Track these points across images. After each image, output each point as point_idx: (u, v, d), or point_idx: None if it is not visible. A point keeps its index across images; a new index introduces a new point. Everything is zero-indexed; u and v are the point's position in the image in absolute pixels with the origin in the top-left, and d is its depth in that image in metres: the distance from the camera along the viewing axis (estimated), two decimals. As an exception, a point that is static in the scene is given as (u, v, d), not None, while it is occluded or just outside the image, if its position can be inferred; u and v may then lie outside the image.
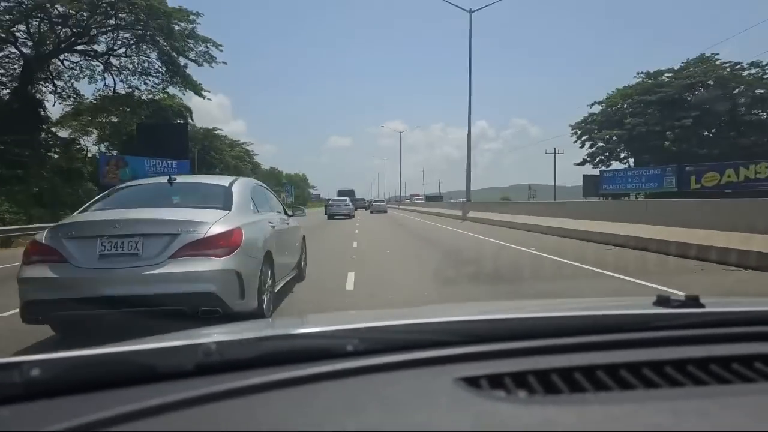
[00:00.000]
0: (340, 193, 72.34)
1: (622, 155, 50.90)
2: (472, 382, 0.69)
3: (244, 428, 0.60)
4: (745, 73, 42.22)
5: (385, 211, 45.81)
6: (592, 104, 53.46)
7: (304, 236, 7.66)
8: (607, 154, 51.67)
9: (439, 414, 0.62)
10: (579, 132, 53.85)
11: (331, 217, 33.43)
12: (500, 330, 0.89)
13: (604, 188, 42.26)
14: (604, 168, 49.50)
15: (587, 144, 53.16)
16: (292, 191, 76.54)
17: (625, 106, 49.72)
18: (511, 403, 0.64)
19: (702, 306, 0.96)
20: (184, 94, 33.82)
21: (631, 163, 48.36)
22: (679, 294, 1.03)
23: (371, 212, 44.00)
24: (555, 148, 58.53)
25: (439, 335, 0.86)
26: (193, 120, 46.54)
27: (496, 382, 0.70)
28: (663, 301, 0.99)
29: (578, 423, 0.59)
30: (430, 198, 76.48)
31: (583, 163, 53.80)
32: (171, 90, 32.45)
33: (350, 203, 37.77)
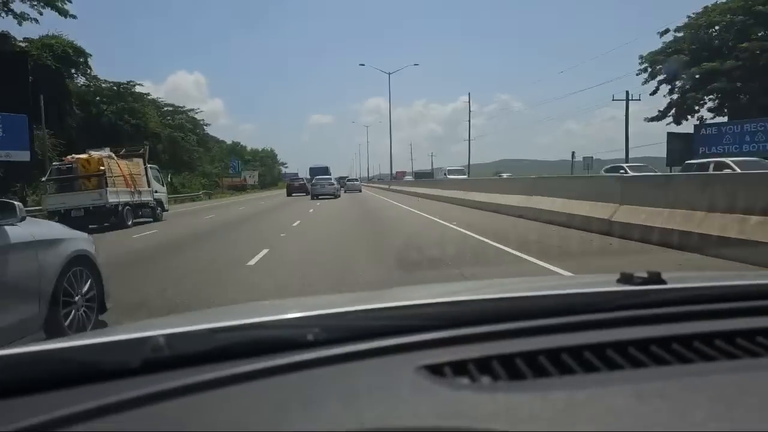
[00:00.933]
0: (313, 171, 67.74)
1: (715, 103, 33.05)
2: (436, 369, 0.68)
3: (196, 428, 0.58)
4: None
5: (359, 191, 43.37)
6: (665, 31, 34.45)
7: (75, 256, 3.81)
8: (694, 102, 32.86)
9: (401, 404, 0.61)
10: (651, 69, 34.49)
11: (315, 197, 32.88)
12: (463, 314, 0.88)
13: (704, 151, 25.78)
14: (704, 122, 31.66)
15: (658, 90, 34.23)
16: (239, 167, 66.72)
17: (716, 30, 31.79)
18: (475, 390, 0.64)
19: (664, 282, 0.97)
20: (41, 14, 25.73)
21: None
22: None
23: (344, 191, 41.30)
24: (627, 92, 35.21)
25: (401, 320, 0.86)
26: (91, 69, 36.31)
27: (459, 368, 0.69)
28: (626, 278, 1.00)
29: (542, 408, 0.60)
30: (419, 175, 64.94)
31: (660, 117, 35.47)
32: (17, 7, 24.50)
33: (335, 182, 36.38)
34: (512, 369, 0.70)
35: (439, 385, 0.64)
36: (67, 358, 0.74)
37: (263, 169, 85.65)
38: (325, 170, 59.48)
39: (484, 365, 0.70)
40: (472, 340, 0.78)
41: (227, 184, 61.78)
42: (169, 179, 24.51)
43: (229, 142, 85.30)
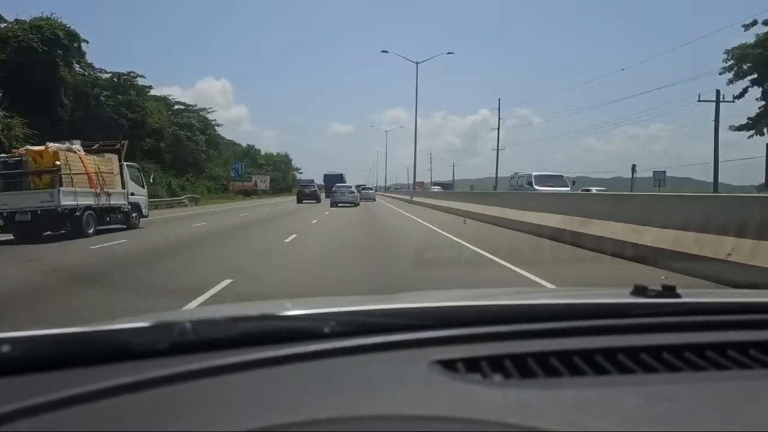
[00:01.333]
0: (327, 178, 64.67)
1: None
2: (448, 365, 0.70)
3: (218, 407, 0.61)
4: None
5: (373, 199, 41.88)
6: (752, 24, 29.12)
7: None
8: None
9: (414, 395, 0.63)
10: (737, 66, 28.69)
11: (333, 204, 31.49)
12: (477, 315, 0.89)
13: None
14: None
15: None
16: (241, 170, 59.40)
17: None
18: (487, 386, 0.65)
19: (678, 296, 0.96)
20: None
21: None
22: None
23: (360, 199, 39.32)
24: (718, 92, 28.11)
25: (416, 320, 0.86)
26: (83, 55, 32.13)
27: (472, 365, 0.70)
28: (640, 290, 0.99)
29: (552, 406, 0.61)
30: (443, 186, 60.85)
31: (751, 125, 30.43)
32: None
33: (355, 190, 35.33)
34: (524, 368, 0.70)
35: (451, 380, 0.66)
36: (103, 338, 0.80)
37: (276, 174, 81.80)
38: (340, 177, 56.51)
39: (496, 363, 0.71)
40: (485, 339, 0.79)
41: (237, 188, 58.25)
42: (151, 179, 21.50)
43: (244, 145, 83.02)
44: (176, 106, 51.89)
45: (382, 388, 0.65)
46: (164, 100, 47.42)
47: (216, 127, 60.57)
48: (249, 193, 60.93)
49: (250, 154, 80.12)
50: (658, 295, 0.96)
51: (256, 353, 0.71)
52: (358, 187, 47.68)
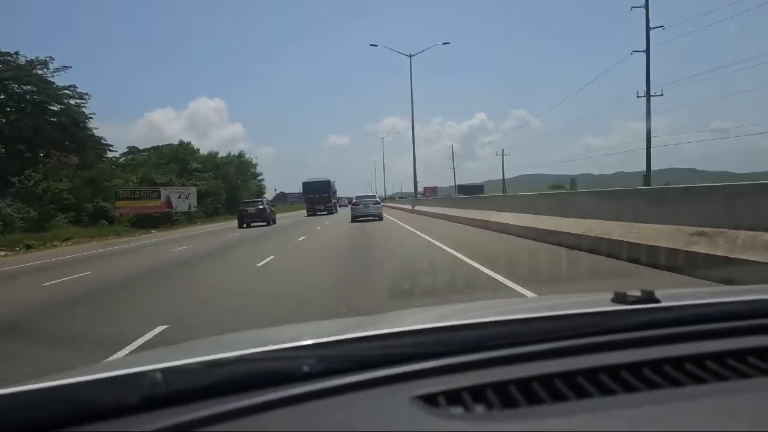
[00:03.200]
0: (307, 187, 48.43)
1: None
2: (430, 399, 0.69)
3: None
4: None
5: (378, 217, 26.28)
6: None
7: None
8: None
9: None
10: None
11: (354, 219, 25.70)
12: (456, 340, 0.88)
13: None
14: None
15: None
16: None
17: None
18: (469, 420, 0.65)
19: (657, 301, 0.97)
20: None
21: None
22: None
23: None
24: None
25: (394, 349, 0.85)
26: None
27: (453, 398, 0.70)
28: (620, 297, 1.01)
29: None
30: (466, 190, 52.20)
31: None
32: None
33: (380, 201, 29.21)
34: (506, 397, 0.70)
35: (433, 416, 0.65)
36: (62, 397, 0.72)
37: (218, 185, 53.65)
38: (326, 186, 46.89)
39: (477, 393, 0.71)
40: (465, 368, 0.78)
41: (128, 211, 35.87)
42: None
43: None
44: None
45: (364, 429, 0.64)
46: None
47: (89, 118, 37.78)
48: (155, 219, 36.99)
49: (178, 156, 53.05)
50: (638, 300, 0.98)
51: (231, 403, 0.68)
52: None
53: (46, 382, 0.73)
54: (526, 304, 1.63)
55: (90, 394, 0.72)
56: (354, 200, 29.39)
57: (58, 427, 0.65)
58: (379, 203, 28.05)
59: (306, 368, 0.77)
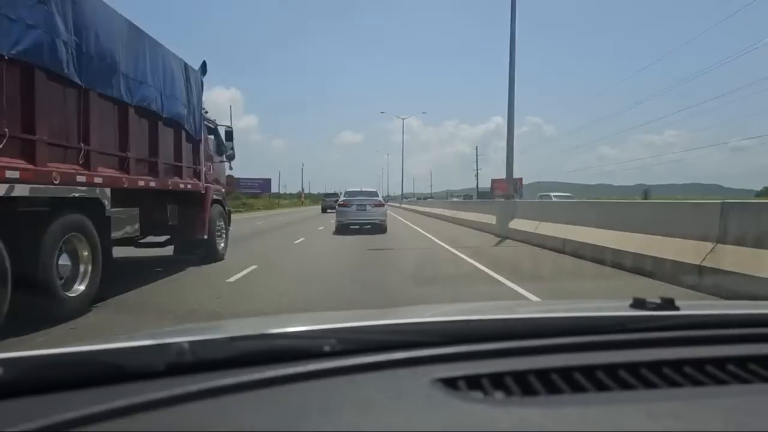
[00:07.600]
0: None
1: None
2: (450, 383, 0.70)
3: (216, 429, 0.60)
4: None
5: (382, 228, 16.63)
6: None
7: None
8: None
9: (415, 415, 0.63)
10: None
11: (341, 230, 16.50)
12: (478, 331, 0.89)
13: None
14: None
15: None
16: None
17: None
18: (488, 404, 0.65)
19: (677, 308, 0.97)
20: None
21: None
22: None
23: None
24: None
25: (417, 336, 0.86)
26: None
27: (473, 383, 0.70)
28: (639, 303, 0.99)
29: (554, 424, 0.60)
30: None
31: None
32: None
33: (382, 200, 17.73)
34: (525, 385, 0.70)
35: (453, 398, 0.65)
36: (97, 359, 0.76)
37: None
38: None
39: (497, 381, 0.71)
40: (486, 356, 0.78)
41: None
42: None
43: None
44: None
45: (383, 407, 0.64)
46: None
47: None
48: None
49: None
50: (658, 307, 0.97)
51: (255, 374, 0.69)
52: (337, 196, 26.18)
53: (79, 347, 0.78)
54: (545, 305, 1.61)
55: (119, 359, 0.76)
56: (341, 198, 18.12)
57: (88, 386, 0.69)
58: (383, 204, 17.42)
59: (327, 348, 0.79)
